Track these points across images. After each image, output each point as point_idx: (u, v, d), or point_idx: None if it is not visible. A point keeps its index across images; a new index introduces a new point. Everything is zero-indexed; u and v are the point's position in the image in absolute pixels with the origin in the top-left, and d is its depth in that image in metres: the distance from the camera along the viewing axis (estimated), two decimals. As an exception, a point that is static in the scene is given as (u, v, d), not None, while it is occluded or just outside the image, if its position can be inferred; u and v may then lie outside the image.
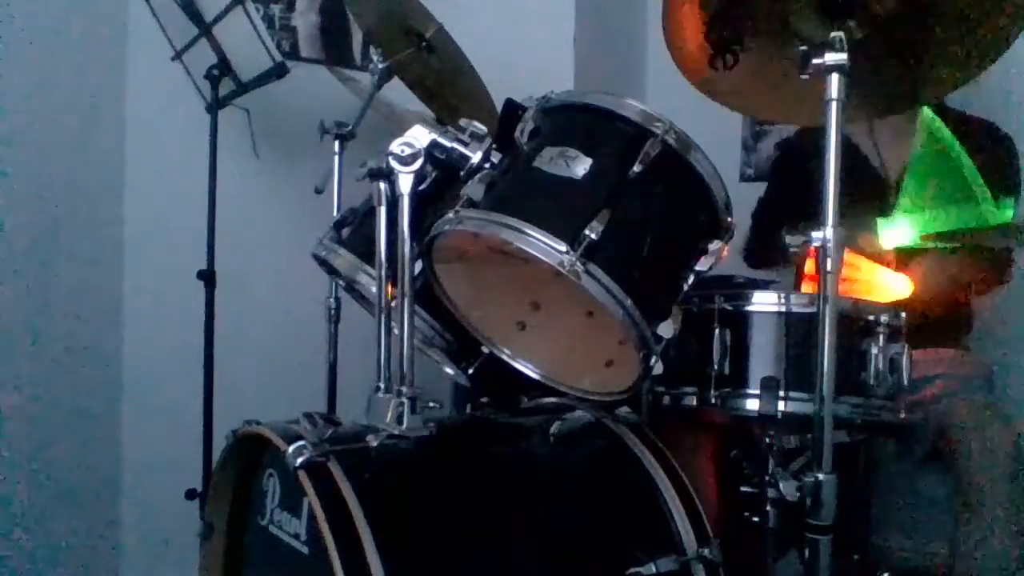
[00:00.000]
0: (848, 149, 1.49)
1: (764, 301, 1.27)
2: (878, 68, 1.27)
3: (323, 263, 1.42)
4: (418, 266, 1.17)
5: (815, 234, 1.07)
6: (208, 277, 1.90)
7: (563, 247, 1.01)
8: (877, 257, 1.50)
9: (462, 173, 1.15)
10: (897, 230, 1.57)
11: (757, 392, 1.23)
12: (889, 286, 1.48)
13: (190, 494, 1.86)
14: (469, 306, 1.28)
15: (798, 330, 1.24)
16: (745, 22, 1.26)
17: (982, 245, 1.63)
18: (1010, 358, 2.06)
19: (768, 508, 1.27)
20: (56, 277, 1.98)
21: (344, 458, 1.09)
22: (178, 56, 1.90)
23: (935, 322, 1.59)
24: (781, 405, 1.22)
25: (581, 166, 1.08)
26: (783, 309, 1.26)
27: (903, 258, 1.53)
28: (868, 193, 1.77)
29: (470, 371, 1.39)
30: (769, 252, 1.83)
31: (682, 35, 1.28)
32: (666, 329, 1.10)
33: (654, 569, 1.15)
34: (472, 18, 1.90)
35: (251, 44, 1.77)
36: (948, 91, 1.38)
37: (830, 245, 1.06)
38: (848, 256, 1.38)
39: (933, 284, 1.56)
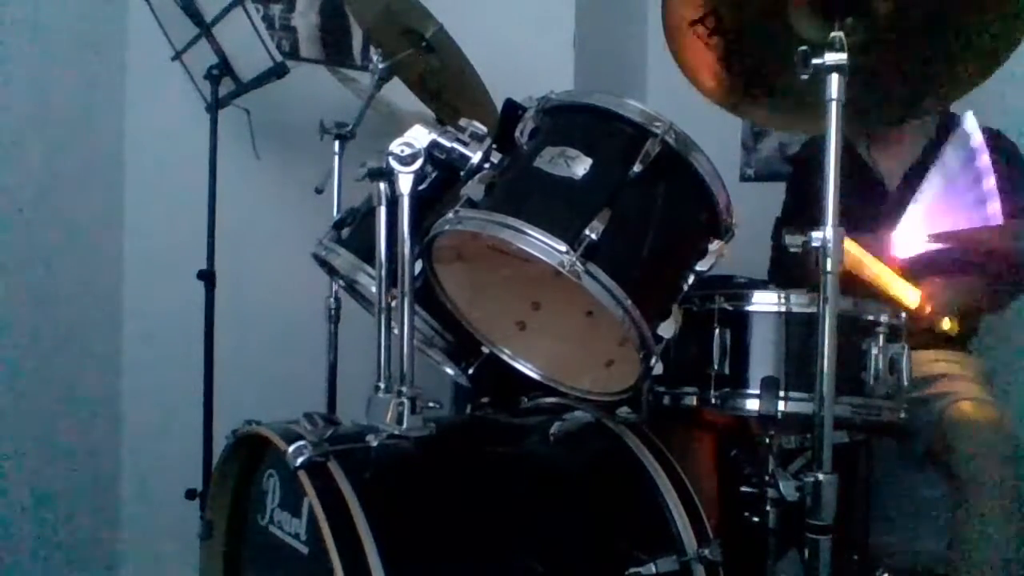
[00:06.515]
0: (849, 154, 1.49)
1: (764, 301, 1.27)
2: (886, 74, 1.26)
3: (323, 263, 1.42)
4: (418, 266, 1.17)
5: (815, 234, 1.07)
6: (208, 277, 1.89)
7: (563, 247, 1.01)
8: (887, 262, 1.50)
9: (462, 173, 1.15)
10: (907, 240, 1.58)
11: (757, 392, 1.23)
12: (900, 292, 1.48)
13: (190, 494, 1.86)
14: (469, 306, 1.28)
15: (798, 330, 1.24)
16: (761, 50, 1.25)
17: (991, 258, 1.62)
18: (1011, 358, 2.06)
19: (768, 508, 1.27)
20: (56, 277, 1.97)
21: (344, 458, 1.09)
22: (178, 56, 1.90)
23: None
24: (781, 405, 1.22)
25: (581, 166, 1.08)
26: (783, 309, 1.26)
27: (910, 276, 1.52)
28: (869, 198, 1.76)
29: (470, 371, 1.38)
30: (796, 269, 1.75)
31: (693, 60, 1.28)
32: (666, 329, 1.10)
33: (654, 569, 1.15)
34: (472, 18, 1.90)
35: (251, 44, 1.77)
36: (952, 99, 1.37)
37: (830, 245, 1.06)
38: (859, 253, 1.39)
39: (941, 305, 1.56)
